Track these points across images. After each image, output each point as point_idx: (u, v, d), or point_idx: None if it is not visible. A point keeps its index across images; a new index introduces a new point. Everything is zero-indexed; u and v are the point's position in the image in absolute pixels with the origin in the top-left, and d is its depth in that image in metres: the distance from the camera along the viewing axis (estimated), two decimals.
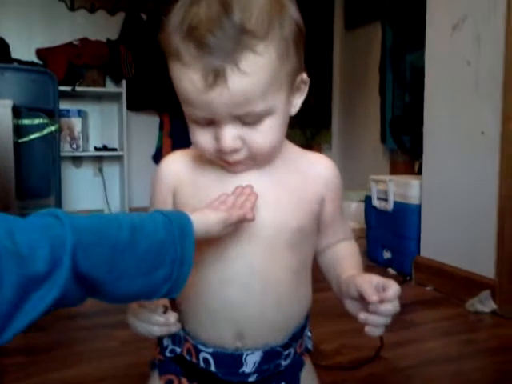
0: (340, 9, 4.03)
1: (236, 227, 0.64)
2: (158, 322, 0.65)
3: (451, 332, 1.71)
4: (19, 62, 3.08)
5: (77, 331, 1.68)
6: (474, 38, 1.93)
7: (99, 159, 3.62)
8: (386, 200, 2.43)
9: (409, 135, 3.16)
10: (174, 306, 0.71)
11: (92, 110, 3.56)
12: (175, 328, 0.68)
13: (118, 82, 3.49)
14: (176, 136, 3.56)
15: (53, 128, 2.65)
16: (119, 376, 1.38)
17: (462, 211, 2.01)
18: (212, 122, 0.61)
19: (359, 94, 3.85)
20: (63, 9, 3.47)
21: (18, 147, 2.34)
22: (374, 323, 0.62)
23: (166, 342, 0.74)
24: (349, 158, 3.98)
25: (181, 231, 0.57)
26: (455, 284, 2.01)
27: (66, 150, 3.25)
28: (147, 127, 3.67)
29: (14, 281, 0.43)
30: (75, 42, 3.37)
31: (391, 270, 2.38)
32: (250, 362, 0.69)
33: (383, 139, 3.50)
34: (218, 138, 0.62)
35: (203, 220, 0.60)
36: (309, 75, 0.67)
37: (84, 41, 3.39)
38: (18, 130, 2.45)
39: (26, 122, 2.53)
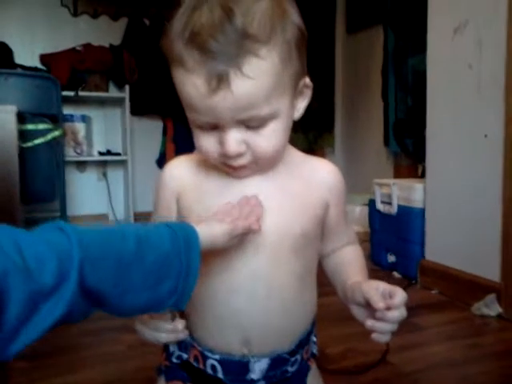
0: (342, 13, 4.04)
1: (242, 238, 0.64)
2: (165, 329, 0.66)
3: (457, 336, 1.71)
4: (23, 67, 3.09)
5: (82, 335, 1.67)
6: (475, 42, 1.93)
7: (103, 164, 3.62)
8: (389, 203, 2.43)
9: (412, 138, 3.16)
10: (182, 313, 0.71)
11: (95, 114, 3.57)
12: (183, 335, 0.68)
13: (121, 87, 3.50)
14: (179, 141, 3.57)
15: (57, 133, 2.65)
16: (125, 380, 1.38)
17: (466, 214, 2.01)
18: (216, 127, 0.61)
19: (362, 97, 3.85)
20: (66, 14, 3.48)
21: (22, 152, 2.35)
22: (381, 330, 0.62)
23: (172, 348, 0.74)
24: (352, 162, 3.98)
25: (186, 243, 0.56)
26: (460, 287, 2.01)
27: (70, 154, 3.26)
28: (151, 132, 3.67)
29: (21, 297, 0.43)
30: (78, 48, 3.38)
31: (396, 274, 2.38)
32: (257, 369, 0.69)
33: (386, 142, 3.50)
34: (222, 143, 0.62)
35: (209, 232, 0.60)
36: (311, 79, 0.67)
37: (87, 46, 3.40)
38: (23, 135, 2.46)
39: (30, 127, 2.54)
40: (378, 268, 2.48)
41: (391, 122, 3.41)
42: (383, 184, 2.51)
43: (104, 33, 3.52)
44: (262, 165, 0.66)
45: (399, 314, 0.61)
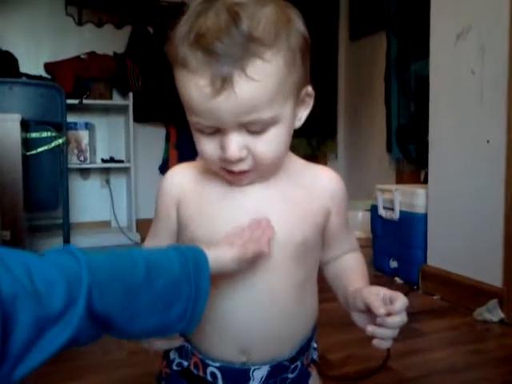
0: (345, 19, 4.05)
1: (252, 262, 0.63)
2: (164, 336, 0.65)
3: (458, 342, 1.70)
4: (27, 76, 3.12)
5: None
6: (478, 48, 1.93)
7: (106, 171, 3.64)
8: (392, 209, 2.43)
9: (414, 144, 3.16)
10: None
11: (99, 122, 3.59)
12: (177, 343, 0.68)
13: (124, 95, 3.52)
14: (182, 147, 3.58)
15: (60, 141, 2.67)
16: None
17: (469, 220, 2.01)
18: (217, 131, 0.61)
19: (364, 103, 3.85)
20: (71, 23, 3.51)
21: (26, 160, 2.37)
22: (382, 336, 0.62)
23: (172, 355, 0.74)
24: (355, 168, 3.98)
25: (196, 268, 0.56)
26: (462, 293, 2.00)
27: (74, 162, 3.28)
28: (154, 139, 3.69)
29: (29, 321, 0.43)
30: (83, 56, 3.40)
31: (398, 279, 2.38)
32: (257, 377, 0.69)
33: (389, 148, 3.50)
34: (223, 147, 0.61)
35: (219, 257, 0.59)
36: (314, 85, 0.67)
37: (91, 54, 3.42)
38: (27, 143, 2.48)
39: (34, 135, 2.55)
40: (380, 274, 2.47)
41: (394, 128, 3.41)
42: (385, 190, 2.51)
43: (108, 41, 3.55)
44: (263, 171, 0.66)
45: (400, 319, 0.61)
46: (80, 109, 3.38)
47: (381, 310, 0.60)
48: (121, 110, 3.57)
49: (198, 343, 0.70)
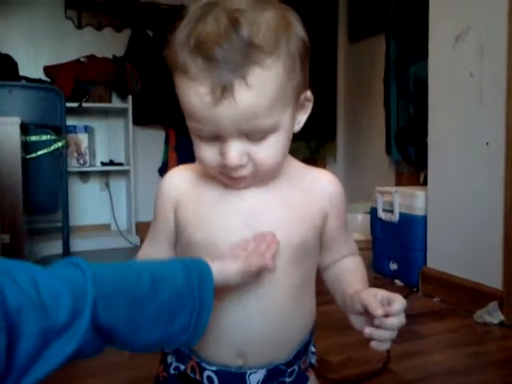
0: (344, 21, 4.06)
1: (256, 275, 0.63)
2: None
3: (458, 344, 1.70)
4: (27, 79, 3.12)
5: None
6: (476, 50, 1.94)
7: (106, 174, 3.64)
8: (391, 211, 2.43)
9: (414, 146, 3.16)
10: None
11: (98, 125, 3.59)
12: None
13: (124, 98, 3.52)
14: (181, 150, 3.58)
15: (60, 144, 2.67)
16: None
17: (468, 222, 2.01)
18: (217, 138, 0.61)
19: (364, 105, 3.86)
20: (70, 26, 3.52)
21: (25, 163, 2.37)
22: (380, 338, 0.61)
23: (169, 359, 0.74)
24: (354, 170, 3.98)
25: (200, 280, 0.56)
26: (462, 295, 2.00)
27: (73, 165, 3.28)
28: (153, 142, 3.69)
29: (35, 333, 0.43)
30: (82, 59, 3.41)
31: (398, 282, 2.37)
32: (254, 381, 0.69)
33: (388, 151, 3.50)
34: (223, 154, 0.61)
35: (223, 270, 0.60)
36: (313, 87, 0.67)
37: (91, 58, 3.43)
38: (26, 147, 2.48)
39: (33, 138, 2.56)
40: (380, 276, 2.47)
41: (393, 130, 3.41)
42: (385, 192, 2.51)
43: (108, 44, 3.55)
44: (262, 176, 0.66)
45: (398, 321, 0.60)
46: (79, 112, 3.38)
47: (378, 311, 0.60)
48: (120, 113, 3.58)
49: (195, 347, 0.70)
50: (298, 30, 0.62)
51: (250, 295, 0.67)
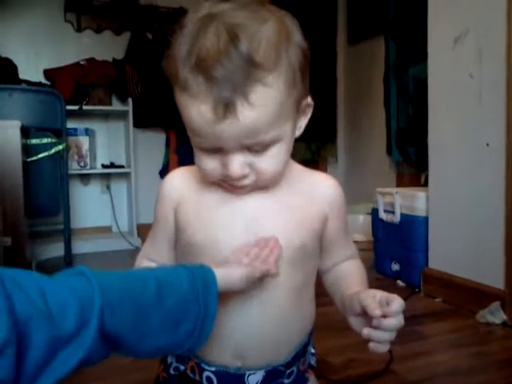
0: (343, 24, 4.06)
1: (259, 281, 0.64)
2: None
3: (461, 344, 1.70)
4: (27, 82, 3.13)
5: None
6: (476, 51, 1.94)
7: (107, 176, 3.64)
8: (392, 212, 2.43)
9: (414, 147, 3.17)
10: None
11: (99, 128, 3.60)
12: None
13: (124, 101, 3.53)
14: (182, 152, 3.59)
15: (60, 147, 2.68)
16: None
17: (470, 222, 2.01)
18: (219, 150, 0.61)
19: (364, 107, 3.86)
20: (70, 30, 3.52)
21: (26, 166, 2.37)
22: (378, 339, 0.61)
23: (169, 359, 0.74)
24: (355, 171, 3.99)
25: (204, 287, 0.57)
26: (464, 295, 2.00)
27: (74, 167, 3.28)
28: (154, 144, 3.69)
29: (43, 341, 0.44)
30: (82, 62, 3.41)
31: (400, 282, 2.37)
32: (253, 381, 0.69)
33: (389, 152, 3.50)
34: (225, 165, 0.62)
35: (227, 276, 0.60)
36: (313, 90, 0.67)
37: (91, 61, 3.43)
38: (27, 150, 2.48)
39: (34, 141, 2.56)
40: (381, 277, 2.47)
41: (393, 132, 3.42)
42: (386, 193, 2.51)
43: (107, 47, 3.56)
44: (263, 184, 0.66)
45: (396, 321, 0.60)
46: (80, 115, 3.38)
47: (376, 311, 0.60)
48: (120, 115, 3.58)
49: None
50: (298, 39, 0.62)
51: (253, 300, 0.67)
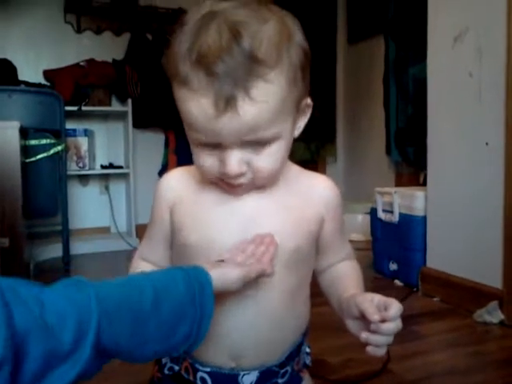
0: (343, 23, 4.06)
1: (254, 281, 0.64)
2: None
3: (459, 344, 1.70)
4: (26, 83, 3.13)
5: None
6: (475, 50, 1.94)
7: (105, 177, 3.64)
8: (391, 212, 2.43)
9: (413, 147, 3.17)
10: None
11: (98, 128, 3.60)
12: None
13: (123, 101, 3.53)
14: (181, 153, 3.59)
15: (59, 148, 2.68)
16: None
17: (468, 222, 2.01)
18: (217, 146, 0.61)
19: (363, 107, 3.86)
20: (70, 31, 3.53)
21: (25, 167, 2.37)
22: (376, 342, 0.61)
23: (164, 359, 0.74)
24: (354, 171, 3.99)
25: (200, 288, 0.57)
26: (462, 295, 2.00)
27: (73, 168, 3.28)
28: (153, 145, 3.69)
29: (40, 353, 0.44)
30: (82, 63, 3.42)
31: (398, 282, 2.37)
32: (247, 382, 0.69)
33: (388, 151, 3.50)
34: (223, 162, 0.61)
35: (222, 276, 0.60)
36: (313, 89, 0.67)
37: (90, 62, 3.44)
38: (26, 151, 2.48)
39: (33, 142, 2.56)
40: (380, 276, 2.47)
41: (393, 131, 3.41)
42: (385, 192, 2.51)
43: (107, 48, 3.56)
44: (260, 183, 0.66)
45: (394, 326, 0.60)
46: (79, 115, 3.38)
47: (375, 316, 0.60)
48: (120, 116, 3.58)
49: None
50: (299, 39, 0.62)
51: (248, 301, 0.67)
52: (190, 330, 0.55)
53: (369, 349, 0.61)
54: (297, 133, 0.67)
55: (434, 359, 1.58)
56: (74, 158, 3.31)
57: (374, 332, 0.61)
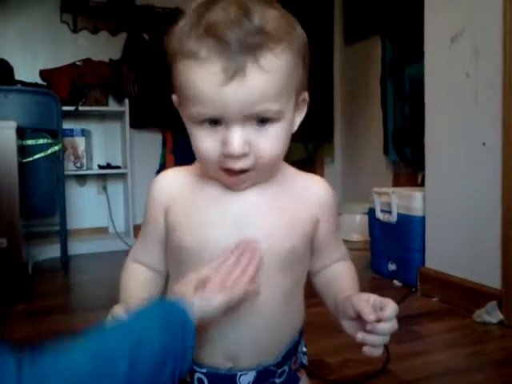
0: (339, 23, 4.07)
1: (239, 302, 0.63)
2: None
3: (458, 344, 1.70)
4: (23, 83, 3.12)
5: None
6: (472, 50, 1.94)
7: (103, 177, 3.63)
8: (389, 212, 2.43)
9: (411, 147, 3.17)
10: None
11: (95, 128, 3.59)
12: None
13: (120, 101, 3.52)
14: (179, 153, 3.58)
15: (56, 148, 2.67)
16: None
17: (466, 222, 2.01)
18: (219, 125, 0.60)
19: (361, 107, 3.86)
20: (66, 30, 3.52)
21: (22, 167, 2.36)
22: (373, 343, 0.61)
23: None
24: (352, 171, 3.99)
25: (182, 326, 0.56)
26: (461, 295, 2.00)
27: (70, 168, 3.27)
28: (150, 144, 3.69)
29: None
30: (78, 63, 3.41)
31: (396, 282, 2.37)
32: (244, 382, 0.69)
33: (386, 151, 3.50)
34: (225, 142, 0.60)
35: (205, 305, 0.59)
36: (310, 89, 0.68)
37: (87, 61, 3.43)
38: (23, 151, 2.47)
39: (30, 142, 2.56)
40: (378, 276, 2.47)
41: (390, 131, 3.42)
42: (382, 193, 2.51)
43: (103, 48, 3.55)
44: (262, 171, 0.65)
45: (390, 326, 0.61)
46: (76, 115, 3.37)
47: (371, 316, 0.60)
48: (117, 116, 3.57)
49: None
50: (299, 31, 0.63)
51: (243, 302, 0.66)
52: (173, 369, 0.55)
53: (365, 349, 0.62)
54: (294, 128, 0.67)
55: (433, 359, 1.58)
56: (72, 158, 3.30)
57: (369, 332, 0.61)
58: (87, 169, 3.38)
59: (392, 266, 2.43)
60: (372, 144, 3.69)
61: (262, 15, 0.57)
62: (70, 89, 3.28)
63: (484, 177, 1.91)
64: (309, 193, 0.72)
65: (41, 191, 2.60)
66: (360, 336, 0.61)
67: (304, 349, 0.78)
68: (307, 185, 0.73)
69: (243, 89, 0.57)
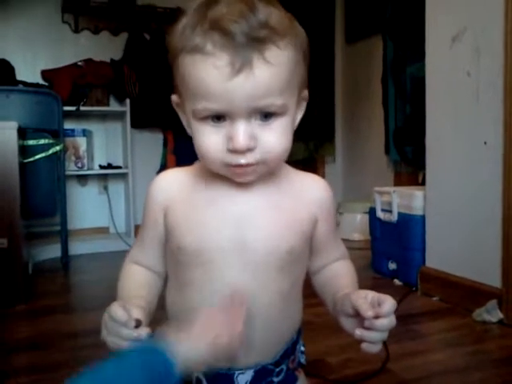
0: (341, 23, 4.06)
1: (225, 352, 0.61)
2: (128, 336, 0.60)
3: (458, 343, 1.70)
4: (24, 83, 3.13)
5: (78, 350, 1.66)
6: (473, 50, 1.94)
7: (104, 177, 3.64)
8: (390, 211, 2.43)
9: (412, 146, 3.17)
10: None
11: (97, 128, 3.59)
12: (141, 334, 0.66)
13: (121, 101, 3.52)
14: (180, 153, 3.58)
15: (58, 148, 2.68)
16: None
17: (467, 221, 2.01)
18: (224, 120, 0.60)
19: (362, 106, 3.86)
20: (67, 31, 3.52)
21: (23, 167, 2.37)
22: (371, 339, 0.61)
23: None
24: (353, 170, 3.99)
25: (166, 373, 0.55)
26: (461, 294, 2.00)
27: (71, 168, 3.27)
28: (151, 145, 3.69)
29: None
30: (80, 63, 3.41)
31: (397, 281, 2.37)
32: (242, 381, 0.69)
33: (387, 151, 3.50)
34: (231, 137, 0.60)
35: (189, 352, 0.58)
36: (311, 88, 0.68)
37: (88, 61, 3.43)
38: (24, 151, 2.48)
39: (31, 142, 2.56)
40: (379, 276, 2.47)
41: (391, 131, 3.42)
42: (383, 192, 2.51)
43: (105, 48, 3.55)
44: (268, 165, 0.64)
45: (388, 322, 0.60)
46: (77, 115, 3.38)
47: (369, 312, 0.60)
48: (118, 116, 3.58)
49: None
50: (300, 30, 0.64)
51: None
52: None
53: (364, 345, 0.61)
54: (294, 124, 0.67)
55: (433, 358, 1.58)
56: (73, 158, 3.31)
57: (368, 328, 0.60)
58: (88, 169, 3.38)
59: (392, 265, 2.43)
60: (373, 143, 3.68)
61: (265, 11, 0.58)
62: (72, 89, 3.28)
63: (485, 176, 1.91)
64: (308, 192, 0.72)
65: (42, 191, 2.60)
66: (358, 332, 0.61)
67: (302, 348, 0.78)
68: (306, 184, 0.73)
69: (250, 82, 0.57)
